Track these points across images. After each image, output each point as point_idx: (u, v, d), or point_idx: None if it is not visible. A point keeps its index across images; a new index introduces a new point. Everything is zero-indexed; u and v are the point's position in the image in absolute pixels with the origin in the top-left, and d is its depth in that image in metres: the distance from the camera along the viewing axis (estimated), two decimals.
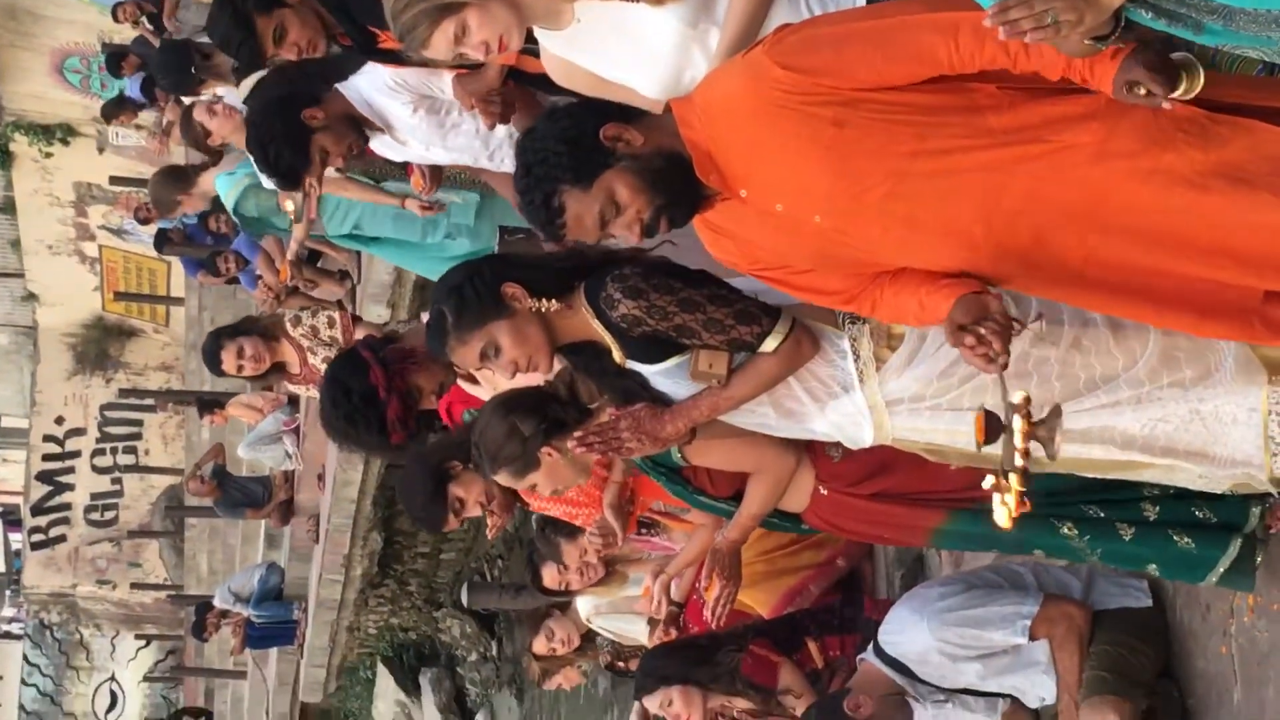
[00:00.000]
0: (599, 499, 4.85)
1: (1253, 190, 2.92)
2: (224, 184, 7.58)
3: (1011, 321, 3.07)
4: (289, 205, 5.17)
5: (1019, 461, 3.04)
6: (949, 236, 3.10)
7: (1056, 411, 3.07)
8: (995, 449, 3.04)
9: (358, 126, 5.10)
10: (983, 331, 3.00)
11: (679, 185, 3.16)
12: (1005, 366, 3.04)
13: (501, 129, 4.94)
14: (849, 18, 3.24)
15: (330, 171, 5.38)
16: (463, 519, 4.87)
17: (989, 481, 3.08)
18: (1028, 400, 3.00)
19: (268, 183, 5.49)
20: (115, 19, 10.58)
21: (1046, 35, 2.63)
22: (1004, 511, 3.13)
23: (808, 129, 3.02)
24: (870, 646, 4.70)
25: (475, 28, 3.57)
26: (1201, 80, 2.82)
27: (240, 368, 8.07)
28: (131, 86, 11.14)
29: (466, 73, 4.79)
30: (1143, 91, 2.81)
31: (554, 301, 3.66)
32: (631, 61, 3.77)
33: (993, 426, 3.04)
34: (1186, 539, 3.89)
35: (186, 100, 7.83)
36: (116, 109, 12.11)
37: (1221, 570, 3.89)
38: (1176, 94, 2.82)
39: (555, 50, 3.91)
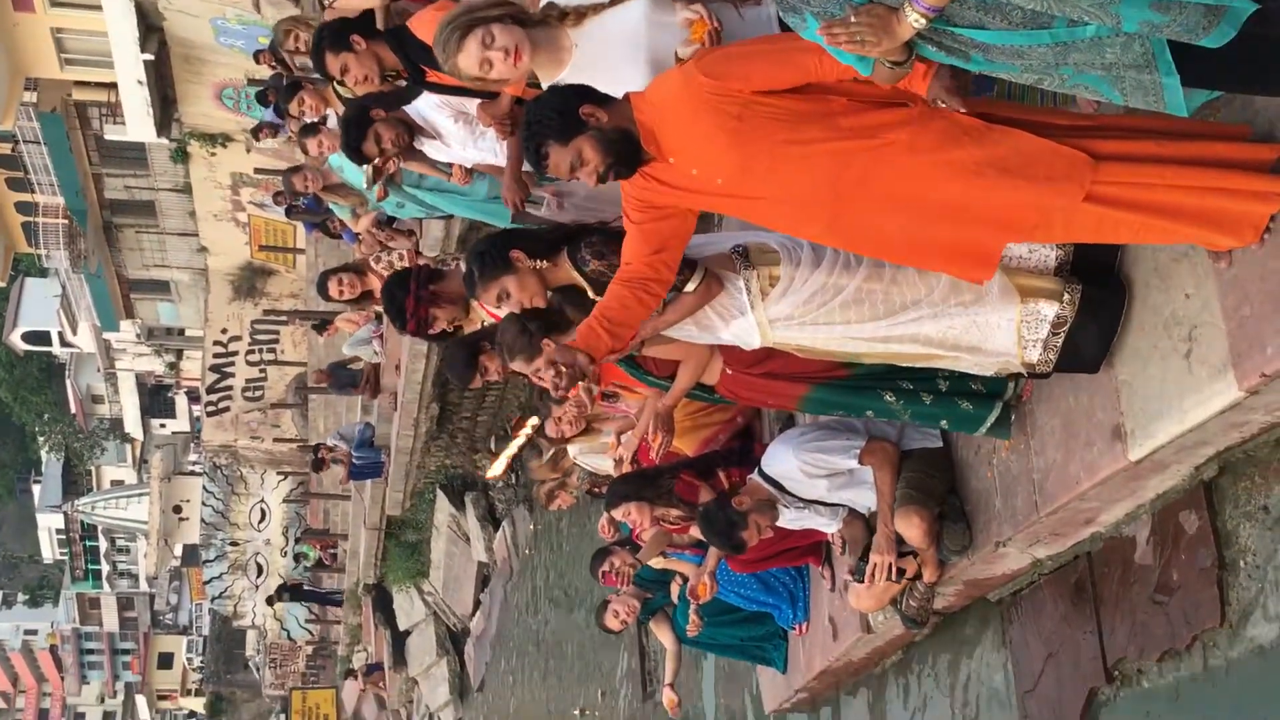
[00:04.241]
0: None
1: (1011, 177, 2.90)
2: (336, 160, 7.40)
3: (580, 373, 3.22)
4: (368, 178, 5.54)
5: (500, 469, 3.16)
6: (808, 200, 3.05)
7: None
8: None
9: (407, 126, 5.18)
10: (558, 370, 3.18)
11: (626, 152, 3.09)
12: (565, 397, 3.23)
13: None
14: (752, 43, 3.18)
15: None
16: (483, 381, 4.77)
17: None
18: (537, 427, 3.13)
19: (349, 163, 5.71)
20: (256, 62, 10.41)
21: (855, 49, 2.59)
22: (496, 468, 3.22)
23: (719, 118, 2.97)
24: (756, 469, 4.71)
25: (499, 34, 3.41)
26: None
27: (341, 292, 7.98)
28: (269, 113, 10.94)
29: (488, 101, 4.71)
30: (942, 105, 2.82)
31: (545, 261, 3.62)
32: (614, 63, 3.54)
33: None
34: (966, 403, 3.87)
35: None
36: (259, 129, 12.01)
37: (989, 424, 3.89)
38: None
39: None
